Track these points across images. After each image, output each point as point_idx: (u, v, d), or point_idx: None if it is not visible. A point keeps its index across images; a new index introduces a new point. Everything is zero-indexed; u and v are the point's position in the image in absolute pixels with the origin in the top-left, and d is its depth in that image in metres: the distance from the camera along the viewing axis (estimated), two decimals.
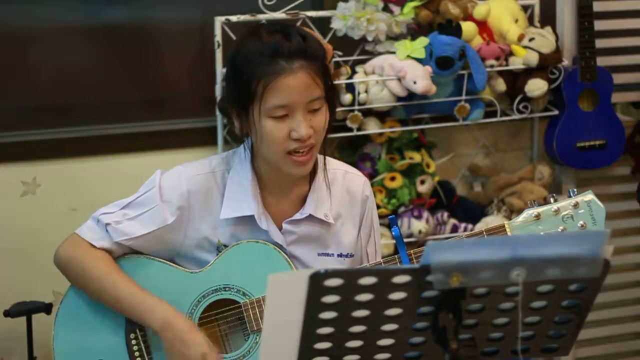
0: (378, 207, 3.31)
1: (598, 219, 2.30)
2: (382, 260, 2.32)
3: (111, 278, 2.31)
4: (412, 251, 2.30)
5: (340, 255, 2.40)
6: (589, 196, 2.31)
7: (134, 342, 2.34)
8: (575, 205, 2.30)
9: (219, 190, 2.34)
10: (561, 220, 2.30)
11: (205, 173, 2.35)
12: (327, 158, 2.41)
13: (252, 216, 2.32)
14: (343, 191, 2.42)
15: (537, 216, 2.31)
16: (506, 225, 2.32)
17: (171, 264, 2.37)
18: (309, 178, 2.38)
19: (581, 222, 2.30)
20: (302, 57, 2.21)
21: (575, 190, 2.33)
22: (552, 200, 2.33)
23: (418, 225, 3.40)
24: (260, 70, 2.19)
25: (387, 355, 1.77)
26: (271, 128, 2.21)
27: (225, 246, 2.33)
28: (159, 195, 2.33)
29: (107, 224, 2.34)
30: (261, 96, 2.20)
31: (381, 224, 2.83)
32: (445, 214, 3.49)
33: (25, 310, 2.91)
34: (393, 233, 2.26)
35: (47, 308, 2.90)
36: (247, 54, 2.23)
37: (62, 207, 3.23)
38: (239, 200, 2.32)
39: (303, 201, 2.37)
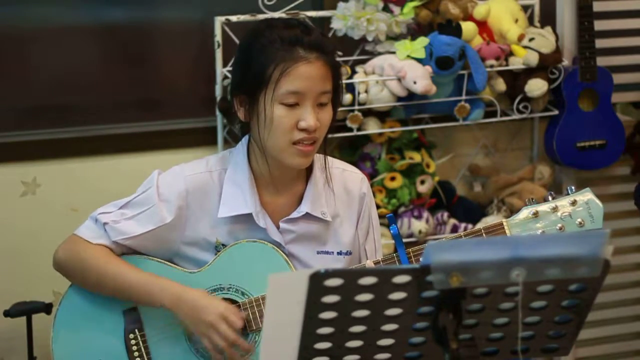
0: (378, 207, 3.31)
1: (596, 216, 2.28)
2: (380, 259, 2.33)
3: (112, 266, 2.32)
4: (410, 250, 2.30)
5: (339, 253, 2.40)
6: (587, 194, 2.30)
7: (133, 342, 2.34)
8: (574, 203, 2.29)
9: (217, 189, 2.35)
10: (559, 218, 2.29)
11: (202, 172, 2.36)
12: (327, 157, 2.41)
13: (250, 214, 2.32)
14: (340, 189, 2.42)
15: (535, 214, 2.30)
16: (504, 223, 2.31)
17: (169, 264, 2.37)
18: (305, 176, 2.39)
19: (579, 220, 2.28)
20: (320, 50, 2.25)
21: (573, 188, 2.32)
22: (550, 198, 2.31)
23: (418, 225, 3.40)
24: (278, 55, 2.22)
25: (387, 355, 1.77)
26: (280, 115, 2.23)
27: (224, 245, 2.34)
28: (156, 195, 2.33)
29: (105, 223, 2.35)
30: (276, 81, 2.21)
31: (381, 224, 2.83)
32: (445, 214, 3.49)
33: (25, 310, 2.91)
34: (391, 231, 2.27)
35: (47, 308, 2.90)
36: (264, 41, 2.25)
37: (62, 207, 3.22)
38: (236, 198, 2.33)
39: (300, 199, 2.37)
